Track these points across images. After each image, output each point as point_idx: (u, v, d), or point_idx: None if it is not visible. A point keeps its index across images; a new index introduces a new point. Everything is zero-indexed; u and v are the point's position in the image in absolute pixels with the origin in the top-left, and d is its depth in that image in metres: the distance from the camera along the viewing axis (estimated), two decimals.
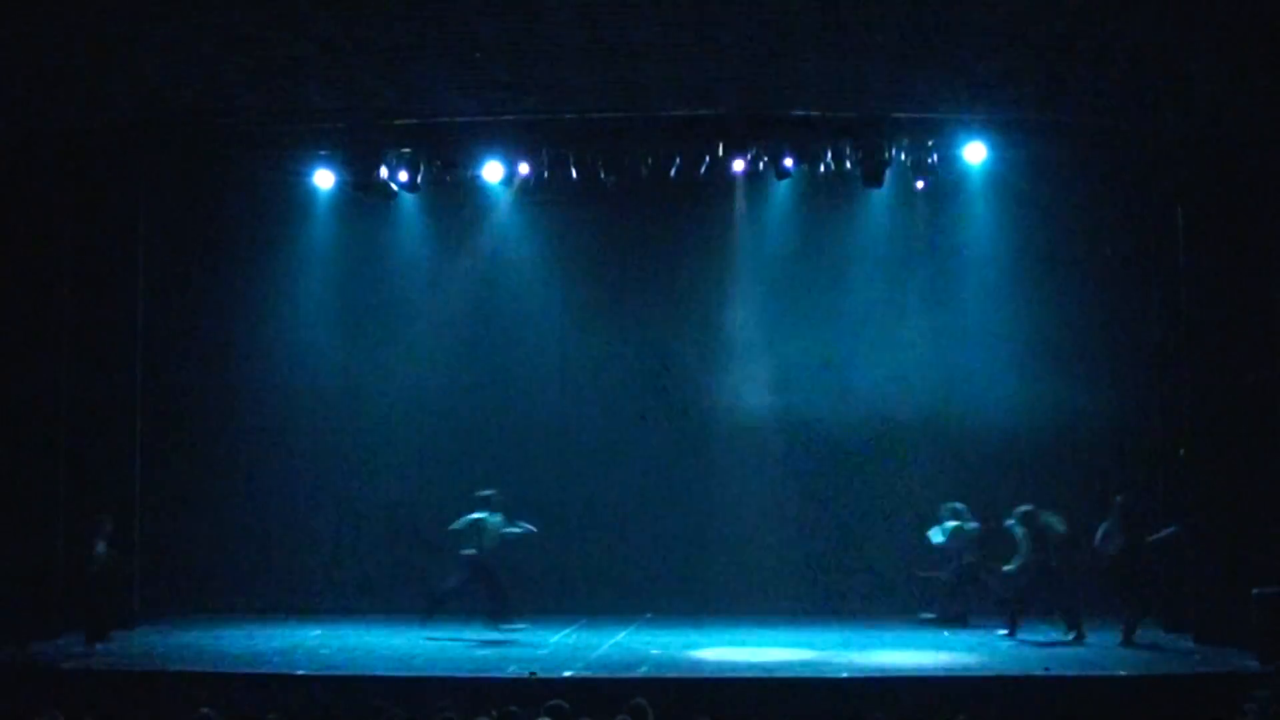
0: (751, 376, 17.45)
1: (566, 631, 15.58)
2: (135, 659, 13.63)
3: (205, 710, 9.76)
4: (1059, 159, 16.31)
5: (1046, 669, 12.55)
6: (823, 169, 15.77)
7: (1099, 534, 14.90)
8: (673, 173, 15.88)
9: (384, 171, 15.95)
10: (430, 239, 18.03)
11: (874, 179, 15.40)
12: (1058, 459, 16.84)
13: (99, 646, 14.34)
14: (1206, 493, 14.36)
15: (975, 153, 15.70)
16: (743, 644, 14.61)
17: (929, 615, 16.11)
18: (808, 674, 12.67)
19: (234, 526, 17.75)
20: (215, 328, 18.08)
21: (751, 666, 13.15)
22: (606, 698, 10.70)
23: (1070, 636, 14.69)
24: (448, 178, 16.34)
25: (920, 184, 16.28)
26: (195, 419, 17.93)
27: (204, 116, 14.80)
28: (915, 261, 17.48)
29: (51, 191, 15.60)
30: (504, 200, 17.60)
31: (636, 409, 17.89)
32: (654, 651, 14.12)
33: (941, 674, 12.65)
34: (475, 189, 17.11)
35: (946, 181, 16.56)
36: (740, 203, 17.40)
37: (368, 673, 12.77)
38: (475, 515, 15.60)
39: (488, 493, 15.78)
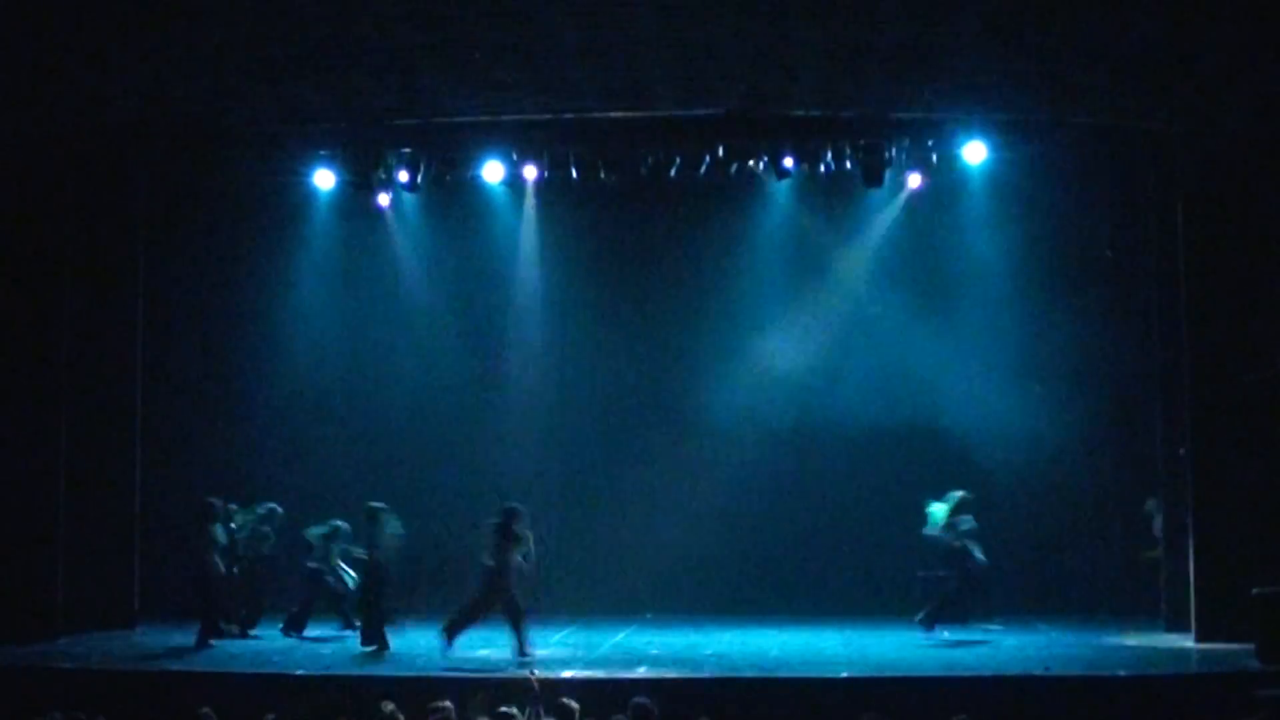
0: (751, 376, 17.45)
1: (566, 631, 15.59)
2: (135, 659, 13.63)
3: (205, 710, 9.76)
4: (1059, 159, 16.32)
5: (1047, 669, 12.55)
6: (823, 169, 15.77)
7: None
8: (673, 173, 15.88)
9: (383, 172, 15.95)
10: (430, 239, 18.03)
11: (874, 179, 15.40)
12: (1057, 459, 16.85)
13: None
14: (1206, 493, 14.34)
15: (975, 153, 15.71)
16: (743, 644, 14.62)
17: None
18: (808, 674, 12.67)
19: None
20: (215, 327, 18.10)
21: (749, 666, 13.17)
22: (606, 698, 10.71)
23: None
24: (448, 178, 16.34)
25: (915, 180, 16.26)
26: (195, 419, 17.94)
27: (204, 117, 14.80)
28: (915, 261, 17.47)
29: (52, 192, 15.58)
30: (504, 200, 17.62)
31: (636, 408, 17.92)
32: (654, 651, 14.14)
33: (941, 674, 12.65)
34: (475, 189, 17.11)
35: (946, 181, 16.57)
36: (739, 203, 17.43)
37: (368, 673, 12.77)
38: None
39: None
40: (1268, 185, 14.10)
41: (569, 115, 14.91)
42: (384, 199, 17.19)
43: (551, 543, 16.77)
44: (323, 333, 18.20)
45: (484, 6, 11.61)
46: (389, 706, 10.00)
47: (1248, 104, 13.34)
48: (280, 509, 16.03)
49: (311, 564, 15.65)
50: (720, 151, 15.54)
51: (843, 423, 17.23)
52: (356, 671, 12.90)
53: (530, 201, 17.56)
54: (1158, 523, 15.80)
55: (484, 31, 12.06)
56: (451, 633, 13.73)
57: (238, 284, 18.17)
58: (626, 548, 17.40)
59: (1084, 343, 16.94)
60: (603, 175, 15.98)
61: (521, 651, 13.51)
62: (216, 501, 15.33)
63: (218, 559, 15.07)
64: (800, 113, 14.74)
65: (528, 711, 10.42)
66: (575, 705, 10.05)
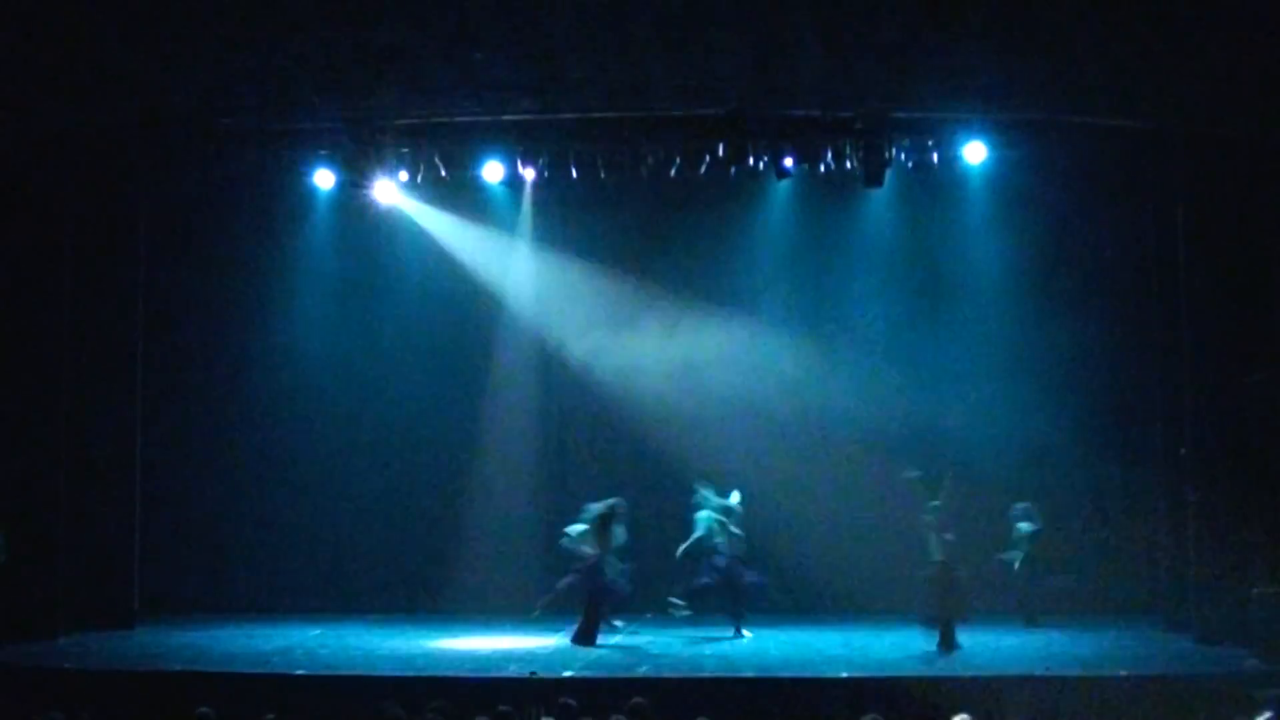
0: (751, 376, 17.43)
1: (567, 631, 15.57)
2: (135, 659, 13.63)
3: (205, 710, 9.76)
4: (1059, 159, 16.30)
5: (1047, 669, 12.56)
6: (823, 169, 15.76)
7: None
8: (672, 172, 15.87)
9: (383, 172, 15.94)
10: (430, 239, 18.01)
11: (874, 179, 15.39)
12: (1058, 460, 16.83)
13: None
14: (1207, 493, 14.34)
15: (975, 153, 15.70)
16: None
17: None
18: (808, 674, 12.67)
19: (234, 526, 17.75)
20: (215, 327, 18.09)
21: (749, 666, 13.18)
22: (606, 698, 10.71)
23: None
24: (448, 178, 16.34)
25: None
26: (195, 419, 17.94)
27: (204, 116, 14.81)
28: (915, 261, 17.46)
29: (52, 192, 15.60)
30: (504, 200, 17.61)
31: (636, 408, 17.88)
32: (654, 651, 14.13)
33: (941, 674, 12.65)
34: (475, 189, 17.10)
35: (947, 181, 16.56)
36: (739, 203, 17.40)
37: (368, 673, 12.77)
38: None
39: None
40: (1268, 185, 14.09)
41: (569, 115, 14.92)
42: (384, 199, 17.14)
43: (551, 542, 16.79)
44: (322, 332, 18.17)
45: (484, 6, 11.62)
46: (394, 709, 9.99)
47: (1248, 104, 13.33)
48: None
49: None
50: (720, 151, 15.52)
51: (843, 422, 17.20)
52: (356, 671, 12.90)
53: (529, 201, 17.53)
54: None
55: (484, 31, 12.06)
56: (946, 641, 13.91)
57: (237, 283, 18.14)
58: (625, 548, 17.35)
59: (1083, 343, 16.92)
60: (603, 175, 15.97)
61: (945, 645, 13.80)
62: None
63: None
64: (800, 113, 14.74)
65: (527, 711, 10.42)
66: (574, 704, 10.05)
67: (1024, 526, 16.02)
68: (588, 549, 14.93)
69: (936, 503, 14.15)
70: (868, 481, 17.21)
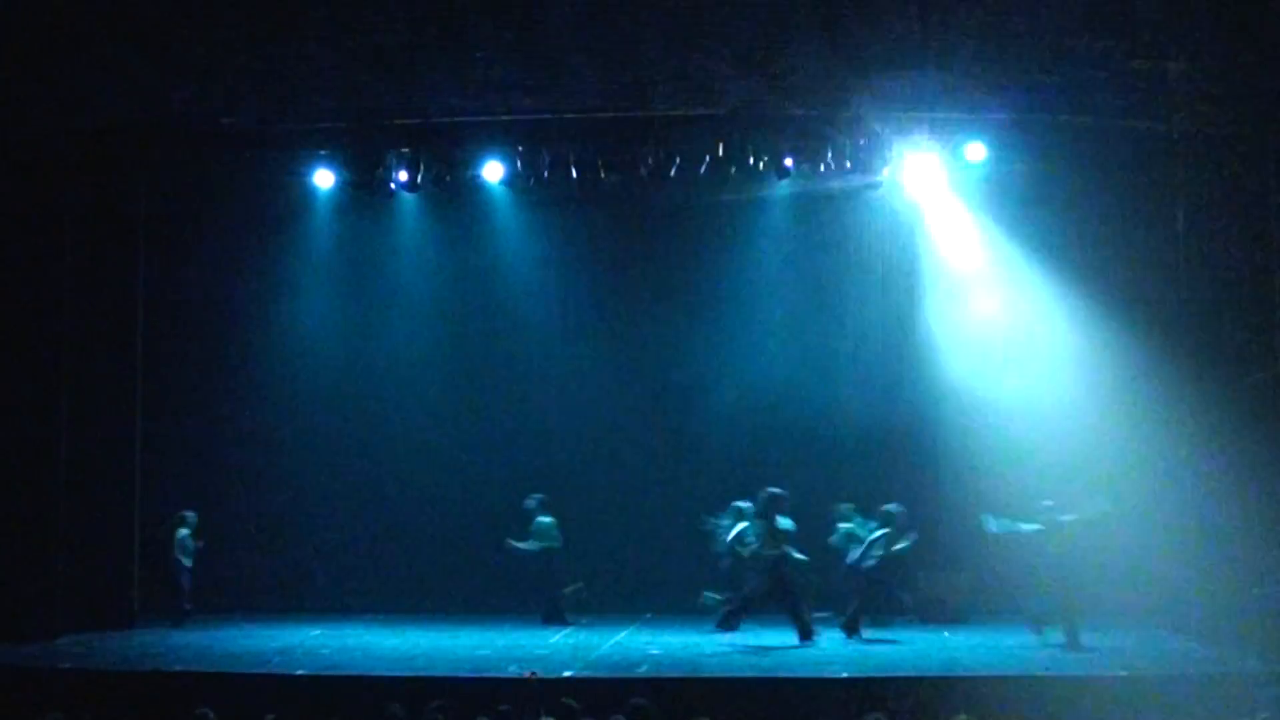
0: (750, 377, 17.43)
1: (567, 631, 15.59)
2: (135, 659, 13.63)
3: (205, 710, 9.76)
4: (1059, 159, 16.30)
5: (1047, 669, 12.54)
6: (823, 169, 15.76)
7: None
8: (672, 172, 15.87)
9: (383, 172, 15.96)
10: (430, 239, 18.03)
11: (873, 179, 15.40)
12: (1059, 461, 16.81)
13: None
14: (1207, 493, 14.34)
15: (975, 153, 15.70)
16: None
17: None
18: (808, 674, 12.67)
19: (234, 526, 17.75)
20: (215, 327, 18.10)
21: (749, 666, 13.18)
22: (606, 698, 10.70)
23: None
24: (448, 178, 16.35)
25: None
26: (195, 419, 17.95)
27: (204, 117, 14.81)
28: (914, 261, 17.46)
29: (53, 191, 15.59)
30: (504, 200, 17.61)
31: (635, 408, 17.89)
32: (654, 651, 14.14)
33: (941, 674, 12.65)
34: (475, 189, 17.11)
35: (946, 181, 16.56)
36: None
37: (368, 673, 12.77)
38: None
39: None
40: (1267, 185, 14.09)
41: (569, 115, 14.92)
42: (384, 199, 17.14)
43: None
44: (322, 331, 18.19)
45: (484, 6, 11.63)
46: (394, 709, 9.99)
47: (1248, 104, 13.34)
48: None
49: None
50: (720, 151, 15.53)
51: (842, 424, 17.21)
52: (356, 671, 12.89)
53: (529, 201, 17.53)
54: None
55: (484, 31, 12.07)
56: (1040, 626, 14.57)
57: (237, 284, 18.17)
58: (626, 548, 17.38)
59: (1083, 343, 16.90)
60: (603, 175, 15.97)
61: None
62: None
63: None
64: (800, 113, 14.75)
65: (527, 711, 10.42)
66: (575, 704, 10.05)
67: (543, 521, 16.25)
68: (770, 549, 14.62)
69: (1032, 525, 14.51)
70: (869, 482, 17.21)
